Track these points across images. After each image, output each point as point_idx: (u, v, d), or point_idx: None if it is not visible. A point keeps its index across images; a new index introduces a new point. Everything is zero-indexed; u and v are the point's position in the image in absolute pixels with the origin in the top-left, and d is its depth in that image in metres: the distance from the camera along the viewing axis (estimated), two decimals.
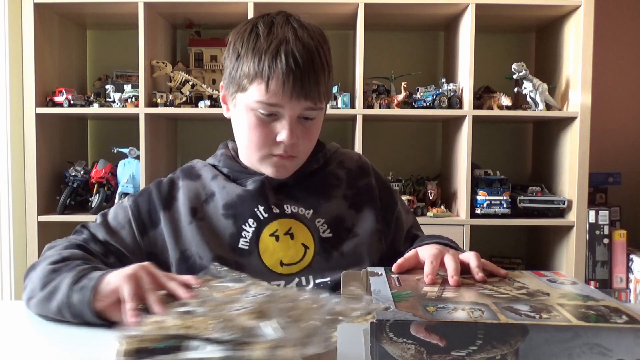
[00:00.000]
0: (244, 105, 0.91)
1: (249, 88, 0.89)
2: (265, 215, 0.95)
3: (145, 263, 0.76)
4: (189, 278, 0.73)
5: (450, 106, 2.00)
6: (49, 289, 0.79)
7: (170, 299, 0.70)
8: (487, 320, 0.52)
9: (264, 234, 0.94)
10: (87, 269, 0.79)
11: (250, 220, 0.94)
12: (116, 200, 2.05)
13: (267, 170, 0.95)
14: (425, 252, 0.76)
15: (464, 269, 0.73)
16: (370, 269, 0.78)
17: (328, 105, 1.02)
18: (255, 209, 0.95)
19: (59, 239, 0.93)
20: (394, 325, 0.51)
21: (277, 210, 0.95)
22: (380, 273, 0.75)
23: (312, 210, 0.96)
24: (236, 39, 0.93)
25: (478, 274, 0.71)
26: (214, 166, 1.02)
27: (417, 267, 0.77)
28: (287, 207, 0.96)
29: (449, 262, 0.72)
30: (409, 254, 0.78)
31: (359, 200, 1.00)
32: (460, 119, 2.03)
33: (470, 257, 0.74)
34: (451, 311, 0.55)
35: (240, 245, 0.92)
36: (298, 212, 0.96)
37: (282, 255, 0.93)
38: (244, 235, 0.93)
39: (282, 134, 0.90)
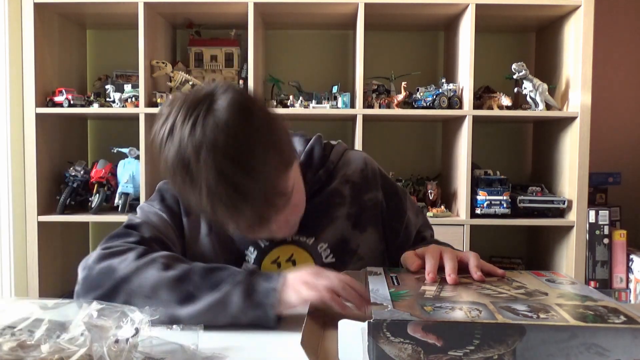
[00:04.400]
0: None
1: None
2: (266, 243, 0.94)
3: (330, 281, 0.74)
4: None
5: (450, 106, 2.00)
6: (208, 301, 0.74)
7: None
8: (484, 320, 0.52)
9: (265, 261, 0.93)
10: (246, 276, 0.76)
11: (251, 248, 0.94)
12: (116, 200, 2.05)
13: None
14: (424, 252, 0.76)
15: (462, 269, 0.73)
16: (369, 268, 0.78)
17: (295, 161, 0.87)
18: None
19: (111, 239, 0.86)
20: (391, 325, 0.51)
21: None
22: (379, 272, 0.75)
23: (314, 237, 0.95)
24: (165, 167, 0.78)
25: (476, 273, 0.71)
26: None
27: None
28: None
29: (447, 260, 0.73)
30: (408, 253, 0.79)
31: (364, 218, 0.98)
32: (460, 119, 2.02)
33: (468, 257, 0.74)
34: (449, 311, 0.55)
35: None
36: (300, 239, 0.95)
37: None
38: (247, 259, 0.93)
39: (271, 235, 0.88)
